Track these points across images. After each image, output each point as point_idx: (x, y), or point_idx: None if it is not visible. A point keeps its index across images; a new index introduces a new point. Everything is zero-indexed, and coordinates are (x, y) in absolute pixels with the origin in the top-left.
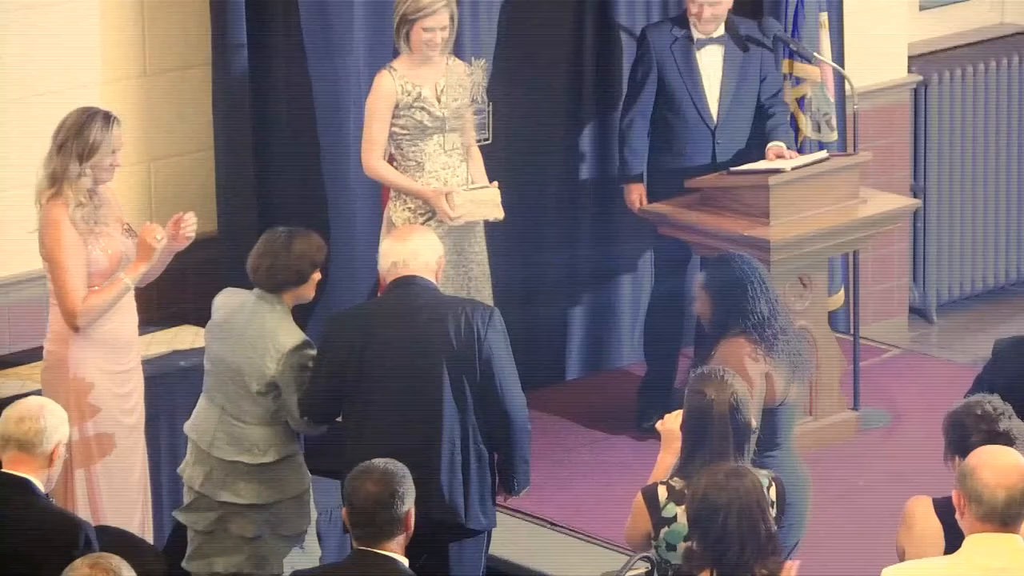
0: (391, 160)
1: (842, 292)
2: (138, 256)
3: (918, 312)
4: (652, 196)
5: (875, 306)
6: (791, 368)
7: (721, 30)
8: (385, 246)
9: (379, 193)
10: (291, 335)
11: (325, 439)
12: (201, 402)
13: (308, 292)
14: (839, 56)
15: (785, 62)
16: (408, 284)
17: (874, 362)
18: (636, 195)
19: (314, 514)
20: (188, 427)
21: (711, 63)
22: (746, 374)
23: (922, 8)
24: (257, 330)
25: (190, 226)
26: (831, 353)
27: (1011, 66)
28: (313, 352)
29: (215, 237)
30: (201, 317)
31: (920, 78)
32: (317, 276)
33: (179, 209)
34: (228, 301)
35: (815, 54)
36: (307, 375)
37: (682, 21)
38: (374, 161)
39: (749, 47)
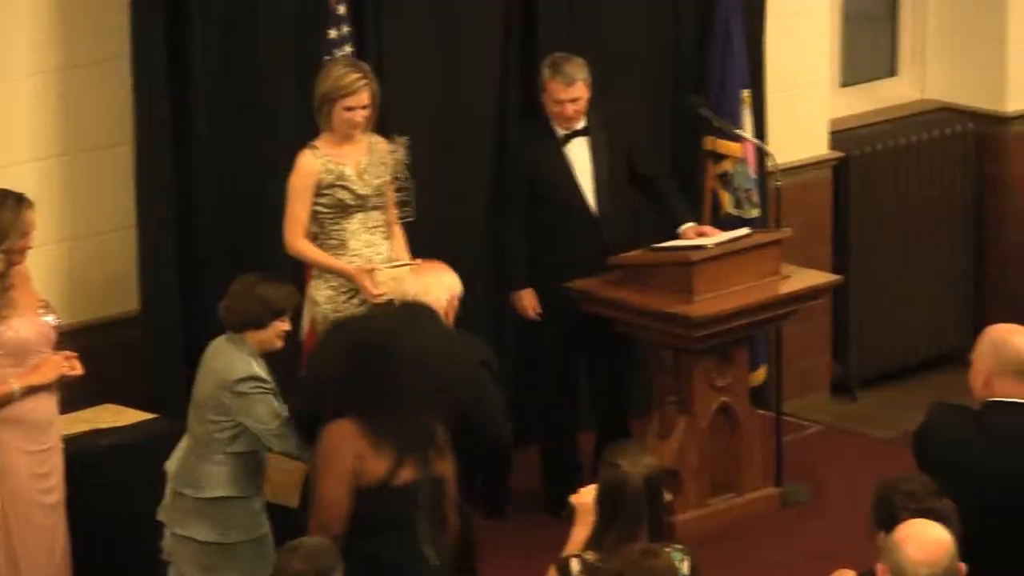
0: (314, 238)
1: (764, 368)
2: (40, 370)
3: (840, 388)
4: (543, 298)
5: (797, 382)
6: (400, 449)
7: (583, 121)
8: (405, 279)
9: (303, 270)
10: (241, 368)
11: None
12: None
13: (271, 339)
14: (761, 132)
15: (707, 139)
16: (410, 309)
17: (796, 438)
18: (526, 300)
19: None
20: (168, 462)
21: (580, 155)
22: (336, 453)
23: (843, 84)
24: (219, 365)
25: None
26: (753, 429)
27: (932, 142)
28: (263, 384)
29: (137, 316)
30: (123, 396)
31: (841, 154)
32: (283, 326)
33: (100, 288)
34: (212, 343)
35: (737, 131)
36: (257, 404)
37: (543, 119)
38: (297, 240)
39: (612, 131)
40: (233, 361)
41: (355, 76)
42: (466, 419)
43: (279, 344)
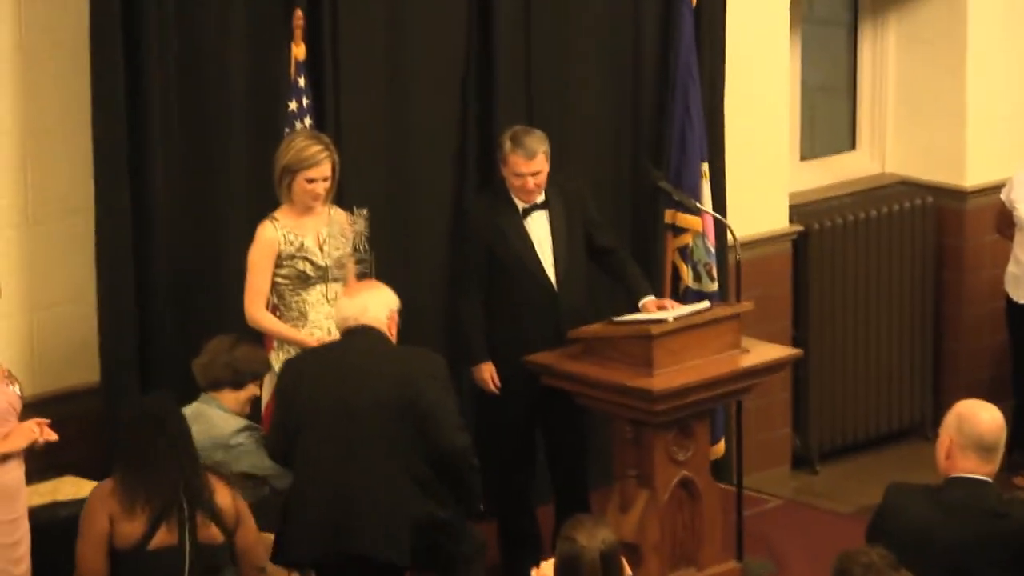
0: (274, 310)
1: (723, 442)
2: (11, 438)
3: (801, 461)
4: (503, 372)
5: (758, 455)
6: (154, 512)
7: (542, 195)
8: (339, 304)
9: (262, 341)
10: (228, 423)
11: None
12: None
13: (244, 402)
14: (720, 205)
15: (667, 212)
16: (354, 333)
17: (757, 511)
18: (487, 374)
19: None
20: None
21: (539, 228)
22: (91, 514)
23: (803, 158)
24: (200, 427)
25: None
26: (714, 503)
27: (892, 216)
28: (255, 431)
29: (96, 388)
30: (83, 468)
31: (801, 228)
32: (254, 390)
33: (61, 359)
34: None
35: (697, 204)
36: (258, 449)
37: (502, 192)
38: (256, 311)
39: (569, 204)
40: (215, 420)
41: (317, 148)
42: (423, 434)
43: (247, 409)
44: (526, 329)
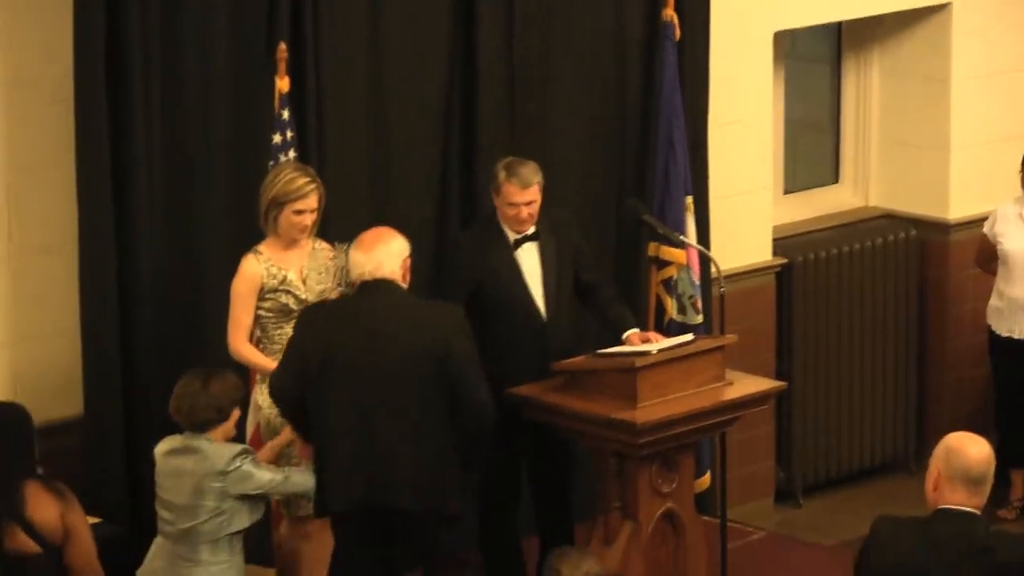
0: (258, 342)
1: (708, 474)
2: None
3: (784, 494)
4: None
5: (741, 488)
6: None
7: (533, 227)
8: (352, 257)
9: (245, 375)
10: (222, 453)
11: None
12: (154, 545)
13: (231, 429)
14: (704, 238)
15: (651, 245)
16: (371, 287)
17: (741, 544)
18: None
19: None
20: (140, 570)
21: (530, 259)
22: None
23: (786, 192)
24: (190, 465)
25: None
26: (698, 536)
27: (875, 249)
28: (248, 453)
29: (80, 420)
30: None
31: (785, 261)
32: (237, 413)
33: (44, 391)
34: (165, 448)
35: (681, 237)
36: (255, 471)
37: (492, 224)
38: (239, 343)
39: (559, 236)
40: (207, 452)
41: (304, 180)
42: (451, 386)
43: (234, 432)
44: (513, 361)
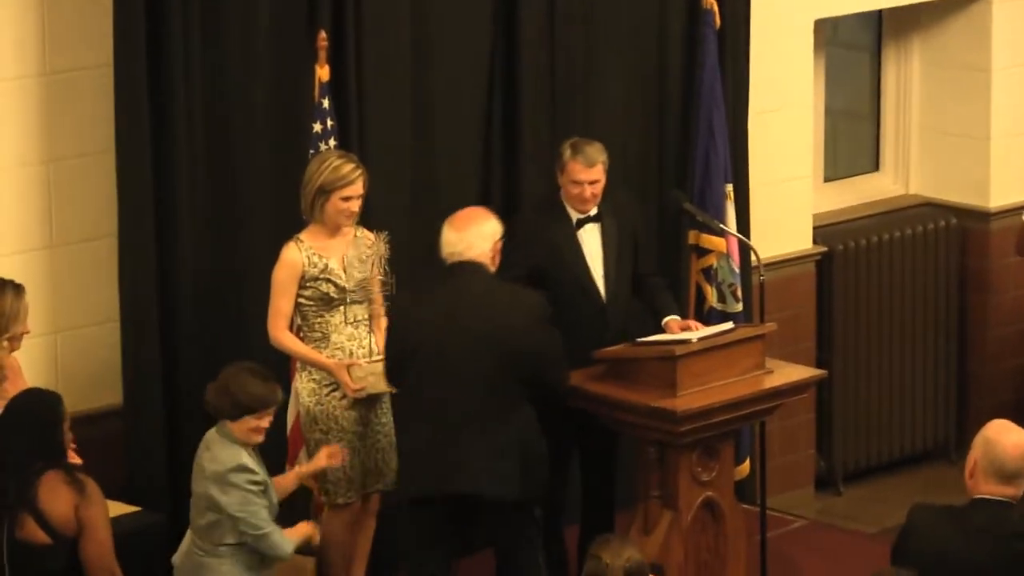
0: (298, 331)
1: (748, 462)
2: None
3: (825, 482)
4: None
5: (781, 476)
6: None
7: (595, 208)
8: (444, 235)
9: (284, 365)
10: (228, 457)
11: None
12: (187, 533)
13: (246, 433)
14: (744, 227)
15: (691, 233)
16: (461, 269)
17: (781, 532)
18: None
19: None
20: (175, 556)
21: (592, 241)
22: None
23: (827, 180)
24: (207, 457)
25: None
26: (737, 524)
27: (915, 237)
28: (252, 477)
29: (120, 410)
30: (106, 489)
31: (825, 249)
32: (255, 422)
33: (84, 380)
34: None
35: (721, 225)
36: (251, 503)
37: (554, 203)
38: (280, 332)
39: (621, 220)
40: (219, 452)
41: (351, 166)
42: (532, 370)
43: (255, 439)
44: (572, 340)
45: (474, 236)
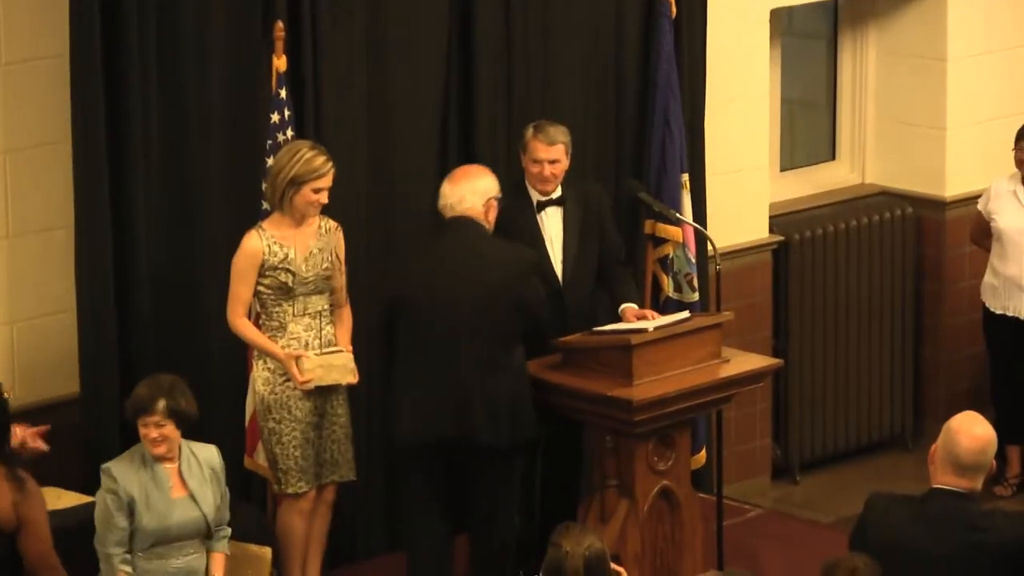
0: (256, 319)
1: (704, 451)
2: None
3: (781, 471)
4: None
5: (738, 465)
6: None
7: (559, 191)
8: (441, 188)
9: (242, 355)
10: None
11: None
12: None
13: (145, 441)
14: (701, 216)
15: (647, 222)
16: (454, 224)
17: (738, 521)
18: None
19: None
20: None
21: (553, 224)
22: None
23: (783, 169)
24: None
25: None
26: (694, 513)
27: (871, 226)
28: (109, 483)
29: (77, 399)
30: (64, 478)
31: (781, 238)
32: (144, 430)
33: (42, 370)
34: None
35: (677, 214)
36: (99, 502)
37: (519, 187)
38: (237, 318)
39: (588, 209)
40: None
41: (323, 158)
42: (520, 312)
43: (149, 448)
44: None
45: (466, 190)
